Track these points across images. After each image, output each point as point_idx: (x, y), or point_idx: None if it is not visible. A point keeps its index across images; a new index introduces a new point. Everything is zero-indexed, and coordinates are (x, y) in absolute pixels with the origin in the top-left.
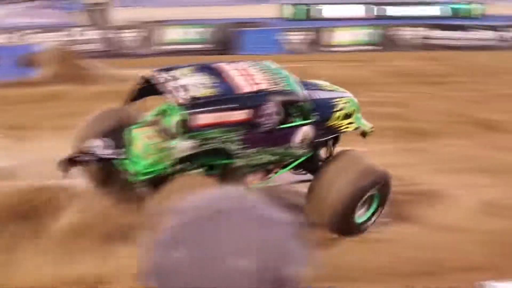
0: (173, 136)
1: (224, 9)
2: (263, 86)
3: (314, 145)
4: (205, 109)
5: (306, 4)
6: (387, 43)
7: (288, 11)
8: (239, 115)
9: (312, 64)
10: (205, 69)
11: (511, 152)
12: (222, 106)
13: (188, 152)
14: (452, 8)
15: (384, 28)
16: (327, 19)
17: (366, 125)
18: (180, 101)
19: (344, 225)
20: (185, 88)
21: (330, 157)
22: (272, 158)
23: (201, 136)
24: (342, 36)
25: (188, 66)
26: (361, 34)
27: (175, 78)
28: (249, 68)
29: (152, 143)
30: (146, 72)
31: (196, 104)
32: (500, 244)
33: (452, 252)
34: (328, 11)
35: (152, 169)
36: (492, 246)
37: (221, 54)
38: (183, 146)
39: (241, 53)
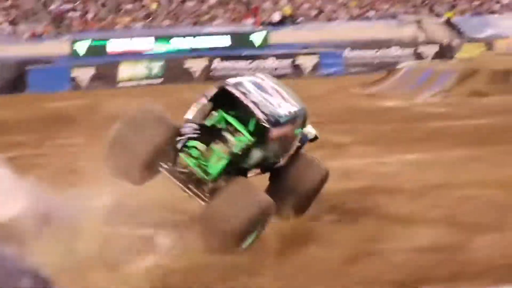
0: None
1: (10, 47)
2: (294, 103)
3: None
4: (282, 125)
5: (94, 39)
6: (173, 76)
7: (77, 48)
8: (293, 129)
9: (100, 99)
10: (257, 84)
11: None
12: (290, 123)
13: (258, 161)
14: (233, 37)
15: (170, 61)
16: (115, 54)
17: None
18: (264, 117)
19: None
20: (260, 104)
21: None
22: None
23: (271, 147)
24: (129, 70)
25: (247, 80)
26: (147, 67)
27: (248, 92)
28: (272, 83)
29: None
30: (220, 85)
31: (277, 120)
32: None
33: None
34: (115, 45)
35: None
36: None
37: (6, 94)
38: (257, 154)
39: (28, 91)
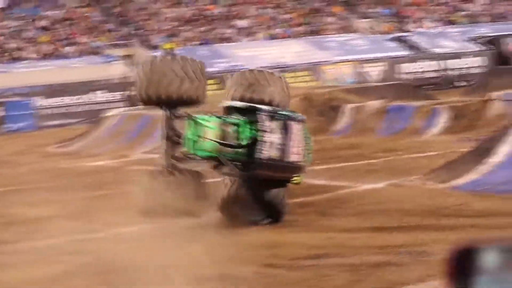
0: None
1: None
2: (299, 157)
3: None
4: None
5: None
6: None
7: None
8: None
9: None
10: (286, 125)
11: None
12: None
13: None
14: None
15: None
16: None
17: None
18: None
19: None
20: (266, 144)
21: None
22: None
23: None
24: None
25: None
26: None
27: (271, 131)
28: (300, 133)
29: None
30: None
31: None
32: None
33: None
34: None
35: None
36: None
37: None
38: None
39: None
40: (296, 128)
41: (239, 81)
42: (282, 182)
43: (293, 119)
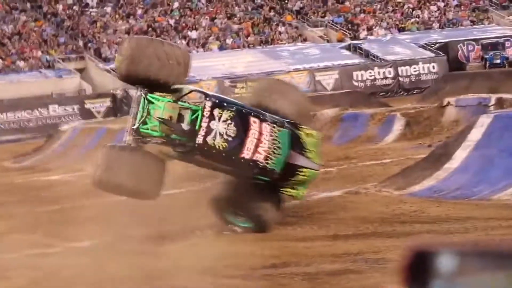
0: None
1: None
2: (258, 157)
3: None
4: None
5: None
6: None
7: None
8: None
9: None
10: (243, 119)
11: None
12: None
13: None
14: None
15: None
16: None
17: None
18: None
19: None
20: (209, 132)
21: None
22: None
23: None
24: None
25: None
26: None
27: (219, 120)
28: (267, 132)
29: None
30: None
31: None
32: None
33: None
34: None
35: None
36: None
37: None
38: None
39: None
40: (264, 128)
41: (255, 86)
42: (273, 191)
43: (258, 116)
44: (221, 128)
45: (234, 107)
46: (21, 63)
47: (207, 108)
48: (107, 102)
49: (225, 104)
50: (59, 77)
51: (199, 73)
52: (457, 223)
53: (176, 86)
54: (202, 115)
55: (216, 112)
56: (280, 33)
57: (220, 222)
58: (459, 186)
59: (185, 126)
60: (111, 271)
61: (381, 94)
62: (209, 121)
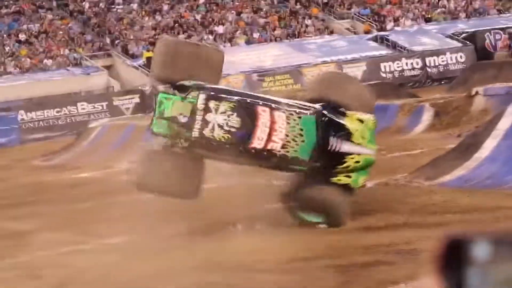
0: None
1: None
2: (274, 146)
3: None
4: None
5: None
6: None
7: None
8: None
9: None
10: (248, 110)
11: None
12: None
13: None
14: None
15: None
16: None
17: None
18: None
19: None
20: (206, 124)
21: None
22: None
23: None
24: None
25: (236, 100)
26: None
27: (216, 111)
28: (283, 120)
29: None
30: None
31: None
32: None
33: None
34: None
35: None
36: None
37: None
38: None
39: None
40: (278, 116)
41: (316, 79)
42: (344, 186)
43: (268, 105)
44: (220, 120)
45: (236, 98)
46: (48, 62)
47: (201, 101)
48: (136, 99)
49: (222, 95)
50: (86, 75)
51: (227, 68)
52: (488, 213)
53: (183, 82)
54: (196, 108)
55: (212, 104)
56: (306, 26)
57: (295, 221)
58: (490, 175)
59: (182, 119)
60: (143, 269)
61: (409, 85)
62: (205, 114)
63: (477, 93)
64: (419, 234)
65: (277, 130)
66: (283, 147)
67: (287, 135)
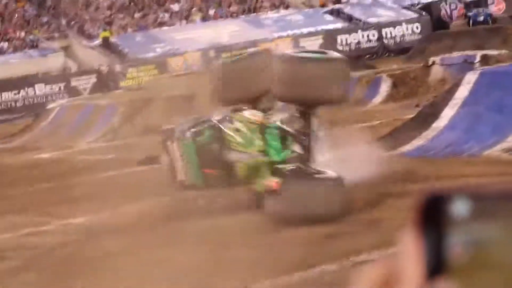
0: None
1: None
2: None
3: None
4: None
5: None
6: None
7: None
8: None
9: None
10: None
11: None
12: None
13: None
14: None
15: None
16: None
17: None
18: None
19: None
20: None
21: None
22: None
23: None
24: None
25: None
26: None
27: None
28: (176, 149)
29: None
30: None
31: None
32: None
33: None
34: None
35: None
36: None
37: None
38: None
39: None
40: (173, 148)
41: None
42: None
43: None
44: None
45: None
46: (5, 45)
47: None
48: (93, 79)
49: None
50: (43, 56)
51: (184, 45)
52: (449, 181)
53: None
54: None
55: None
56: (262, 1)
57: None
58: (449, 144)
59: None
60: (108, 248)
61: (366, 56)
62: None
63: (434, 63)
64: (381, 204)
65: (177, 161)
66: (185, 175)
67: (182, 163)
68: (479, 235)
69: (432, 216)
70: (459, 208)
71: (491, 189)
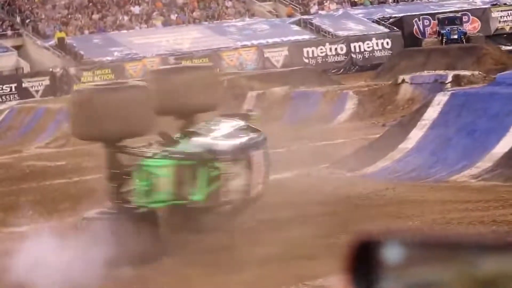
0: None
1: None
2: None
3: None
4: None
5: None
6: None
7: None
8: None
9: None
10: None
11: None
12: None
13: None
14: None
15: None
16: None
17: None
18: None
19: None
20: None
21: None
22: None
23: None
24: None
25: None
26: None
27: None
28: None
29: None
30: None
31: None
32: None
33: None
34: None
35: None
36: None
37: None
38: None
39: None
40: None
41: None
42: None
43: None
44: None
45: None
46: None
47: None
48: (46, 81)
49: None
50: None
51: (143, 50)
52: (412, 206)
53: None
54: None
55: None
56: (227, 7)
57: None
58: (415, 167)
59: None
60: (51, 259)
61: (333, 71)
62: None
63: (403, 81)
64: (341, 228)
65: None
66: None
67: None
68: (411, 282)
69: (364, 262)
70: (392, 254)
71: (425, 235)
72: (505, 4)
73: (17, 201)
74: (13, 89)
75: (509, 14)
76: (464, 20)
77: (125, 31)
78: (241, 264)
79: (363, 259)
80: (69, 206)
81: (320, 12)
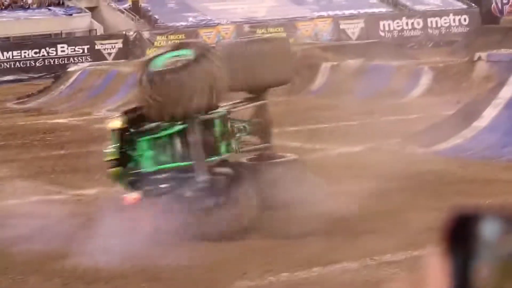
0: None
1: None
2: None
3: None
4: None
5: None
6: None
7: None
8: None
9: None
10: None
11: None
12: None
13: None
14: None
15: None
16: None
17: None
18: None
19: None
20: None
21: None
22: None
23: None
24: None
25: None
26: None
27: None
28: None
29: None
30: None
31: None
32: None
33: None
34: None
35: None
36: None
37: None
38: None
39: None
40: None
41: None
42: None
43: None
44: None
45: None
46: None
47: None
48: (119, 44)
49: None
50: (69, 16)
51: (218, 17)
52: (484, 185)
53: None
54: None
55: None
56: None
57: None
58: (487, 146)
59: None
60: (120, 222)
61: (408, 45)
62: None
63: (479, 58)
64: (412, 204)
65: None
66: None
67: None
68: (507, 257)
69: (461, 236)
70: (489, 229)
71: None
72: None
73: (85, 163)
74: (86, 51)
75: None
76: None
77: None
78: (307, 236)
79: (461, 233)
80: None
81: None
